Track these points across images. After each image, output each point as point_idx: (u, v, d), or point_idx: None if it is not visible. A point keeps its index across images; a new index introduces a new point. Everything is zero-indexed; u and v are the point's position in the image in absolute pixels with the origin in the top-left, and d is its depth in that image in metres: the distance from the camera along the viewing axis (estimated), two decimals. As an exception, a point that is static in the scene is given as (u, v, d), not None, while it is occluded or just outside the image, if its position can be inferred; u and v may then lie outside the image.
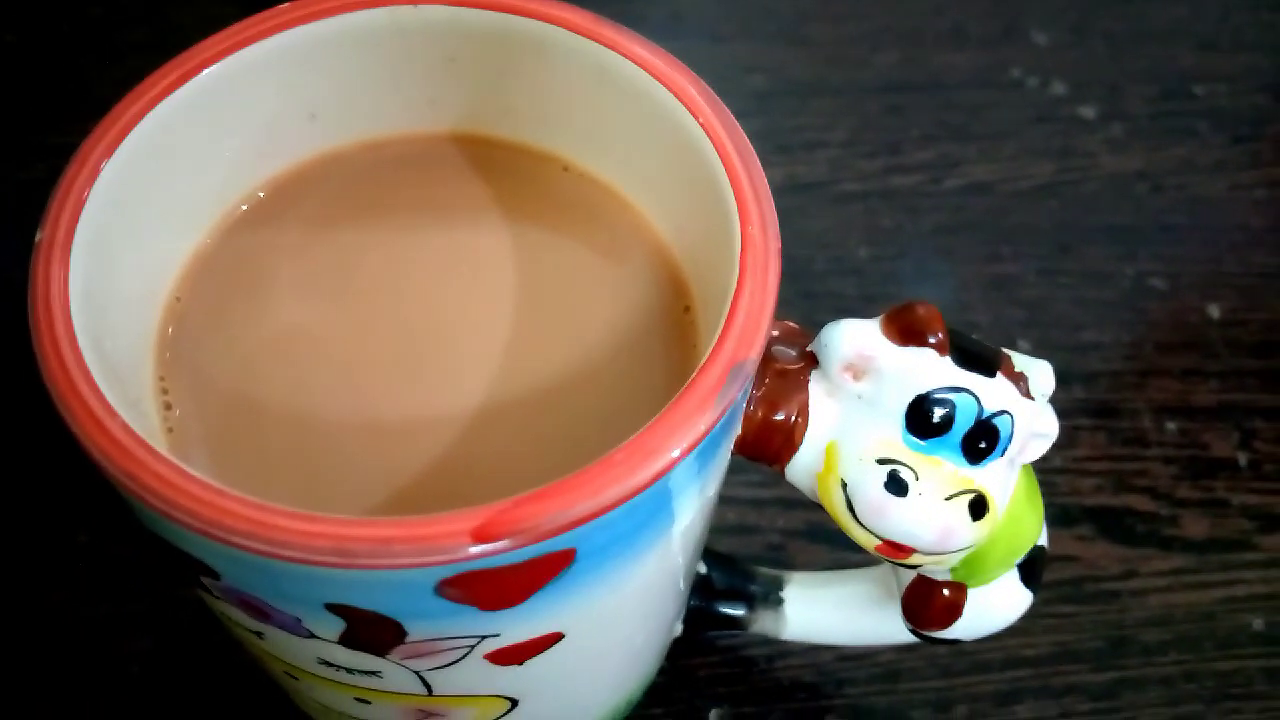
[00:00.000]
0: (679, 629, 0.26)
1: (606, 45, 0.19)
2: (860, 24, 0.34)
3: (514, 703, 0.20)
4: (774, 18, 0.37)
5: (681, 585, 0.23)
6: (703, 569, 0.25)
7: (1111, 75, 0.31)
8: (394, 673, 0.18)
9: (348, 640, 0.17)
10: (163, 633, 0.27)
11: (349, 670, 0.18)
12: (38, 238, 0.17)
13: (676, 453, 0.15)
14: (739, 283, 0.17)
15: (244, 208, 0.21)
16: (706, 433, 0.16)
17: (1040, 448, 0.19)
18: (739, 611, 0.25)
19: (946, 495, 0.18)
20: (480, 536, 0.14)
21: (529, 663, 0.18)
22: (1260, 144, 0.30)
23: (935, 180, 0.31)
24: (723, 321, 0.17)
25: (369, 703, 0.20)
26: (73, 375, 0.16)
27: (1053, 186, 0.30)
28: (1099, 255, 0.28)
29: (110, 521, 0.28)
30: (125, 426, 0.15)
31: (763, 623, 0.25)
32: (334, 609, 0.16)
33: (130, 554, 0.28)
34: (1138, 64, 0.31)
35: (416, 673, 0.18)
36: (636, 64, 0.19)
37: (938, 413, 0.18)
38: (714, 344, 0.16)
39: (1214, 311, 0.27)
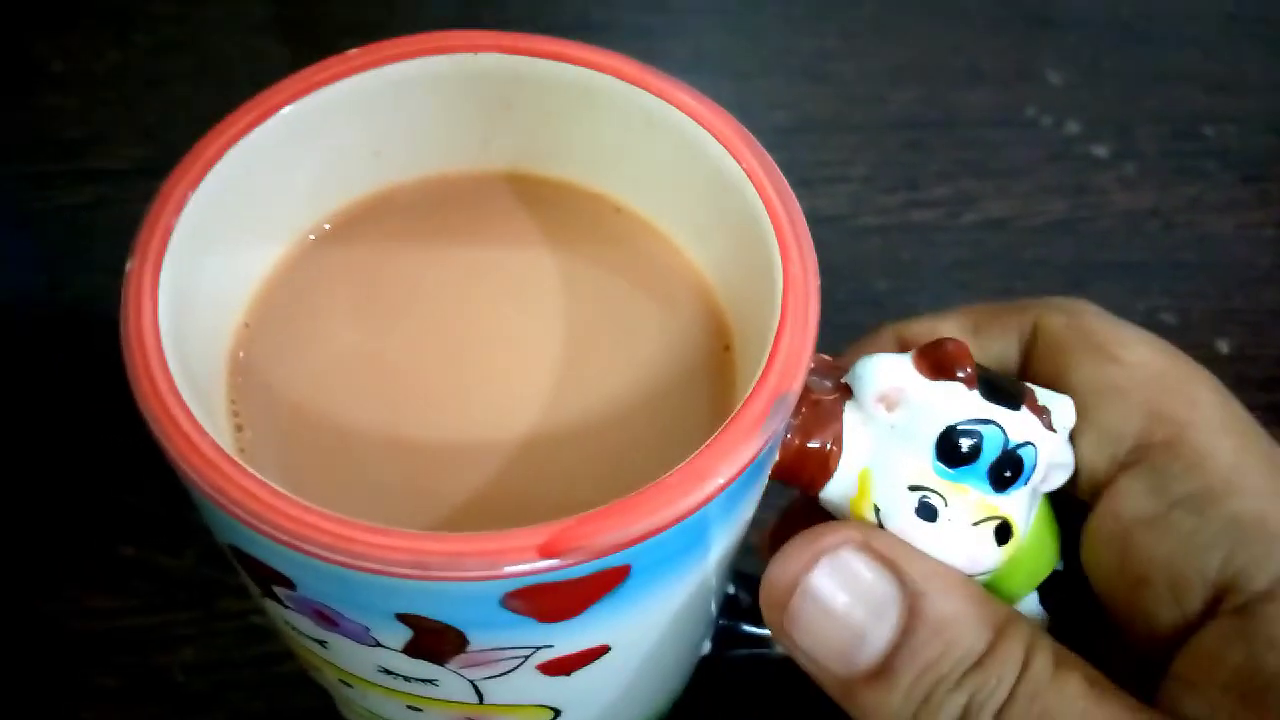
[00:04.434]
0: (707, 647, 0.27)
1: (653, 93, 0.21)
2: (880, 63, 0.35)
3: (557, 713, 0.21)
4: (795, 56, 0.38)
5: (713, 605, 0.24)
6: (731, 589, 0.26)
7: (1124, 115, 0.32)
8: (450, 681, 0.19)
9: (412, 649, 0.18)
10: (205, 644, 0.28)
11: (407, 678, 0.19)
12: (128, 266, 0.18)
13: (724, 478, 0.17)
14: (781, 318, 0.18)
15: (311, 238, 0.22)
16: (753, 459, 0.17)
17: (1060, 478, 0.21)
18: (764, 631, 0.26)
19: (974, 521, 0.19)
20: (547, 552, 0.16)
21: (576, 674, 0.19)
22: (1269, 183, 0.31)
23: (953, 215, 0.32)
24: (766, 355, 0.18)
25: (420, 710, 0.21)
26: (165, 398, 0.17)
27: (1067, 223, 0.31)
28: (1111, 290, 0.29)
29: (154, 535, 0.29)
30: (214, 444, 0.16)
31: (788, 641, 0.26)
32: (404, 619, 0.17)
33: (173, 567, 0.29)
34: (1149, 104, 0.32)
35: (471, 681, 0.19)
36: (682, 110, 0.21)
37: (966, 443, 0.19)
38: (759, 376, 0.18)
39: (1223, 347, 0.28)
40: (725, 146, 0.20)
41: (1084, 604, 0.21)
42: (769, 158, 0.20)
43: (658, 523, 0.16)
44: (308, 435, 0.20)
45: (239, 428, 0.20)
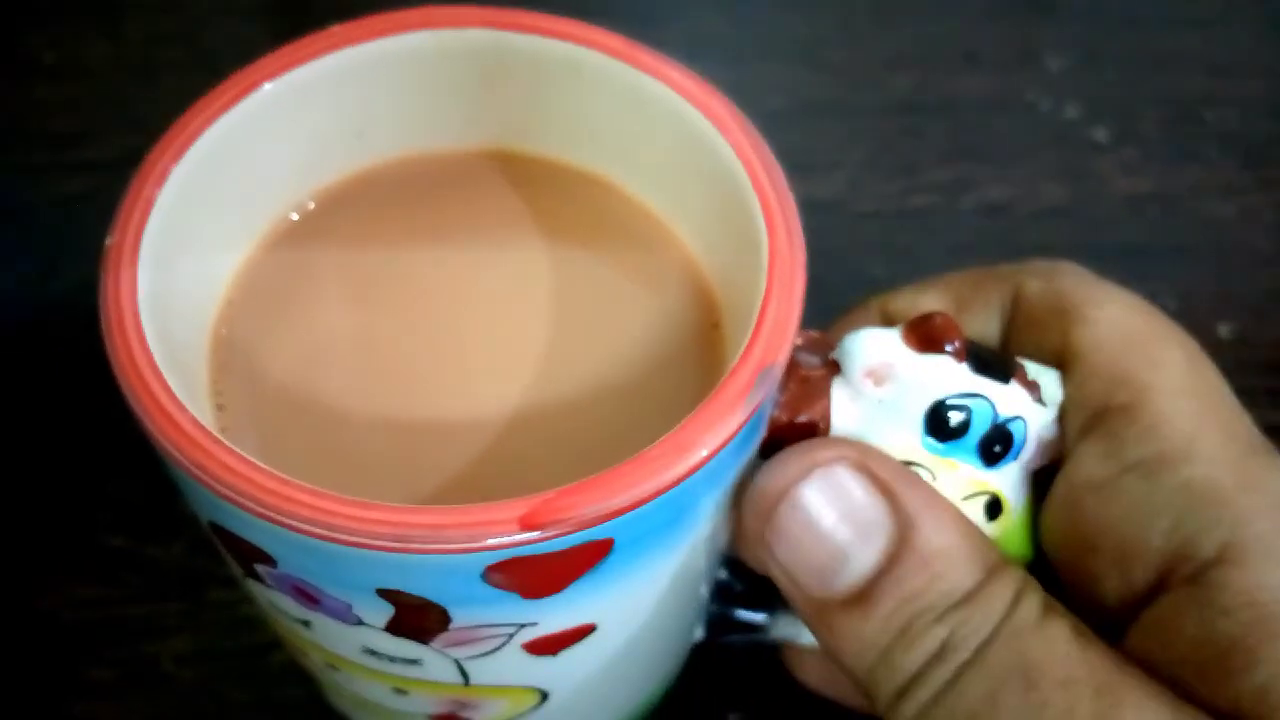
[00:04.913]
0: (700, 633, 0.26)
1: (643, 69, 0.21)
2: (877, 48, 0.35)
3: (544, 696, 0.21)
4: (792, 41, 0.37)
5: (704, 588, 0.24)
6: (724, 575, 0.26)
7: (1123, 99, 0.32)
8: (434, 661, 0.19)
9: (394, 627, 0.18)
10: (195, 634, 0.28)
11: (391, 659, 0.19)
12: (108, 242, 0.18)
13: (708, 450, 0.16)
14: (767, 291, 0.18)
15: (294, 217, 0.22)
16: (736, 432, 0.17)
17: (1051, 455, 0.20)
18: (758, 617, 0.26)
19: (964, 496, 0.19)
20: (527, 524, 0.15)
21: (562, 654, 0.19)
22: (1270, 168, 0.30)
23: (951, 201, 0.32)
24: (751, 329, 0.18)
25: (406, 693, 0.21)
26: (144, 372, 0.17)
27: (1066, 208, 0.31)
28: (1111, 275, 0.28)
29: (144, 526, 0.29)
30: (194, 420, 0.16)
31: (782, 628, 0.26)
32: (385, 594, 0.17)
33: (163, 558, 0.29)
34: (1149, 88, 0.32)
35: (456, 661, 0.19)
36: (668, 85, 0.20)
37: (955, 417, 0.19)
38: (744, 349, 0.17)
39: (1224, 331, 0.28)
40: (713, 122, 0.20)
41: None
42: (757, 133, 0.20)
43: (640, 495, 0.16)
44: (290, 414, 0.20)
45: (220, 406, 0.20)
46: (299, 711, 0.27)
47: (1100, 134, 0.31)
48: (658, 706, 0.27)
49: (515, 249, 0.22)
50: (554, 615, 0.18)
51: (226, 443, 0.16)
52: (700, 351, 0.21)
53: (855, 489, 0.18)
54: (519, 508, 0.15)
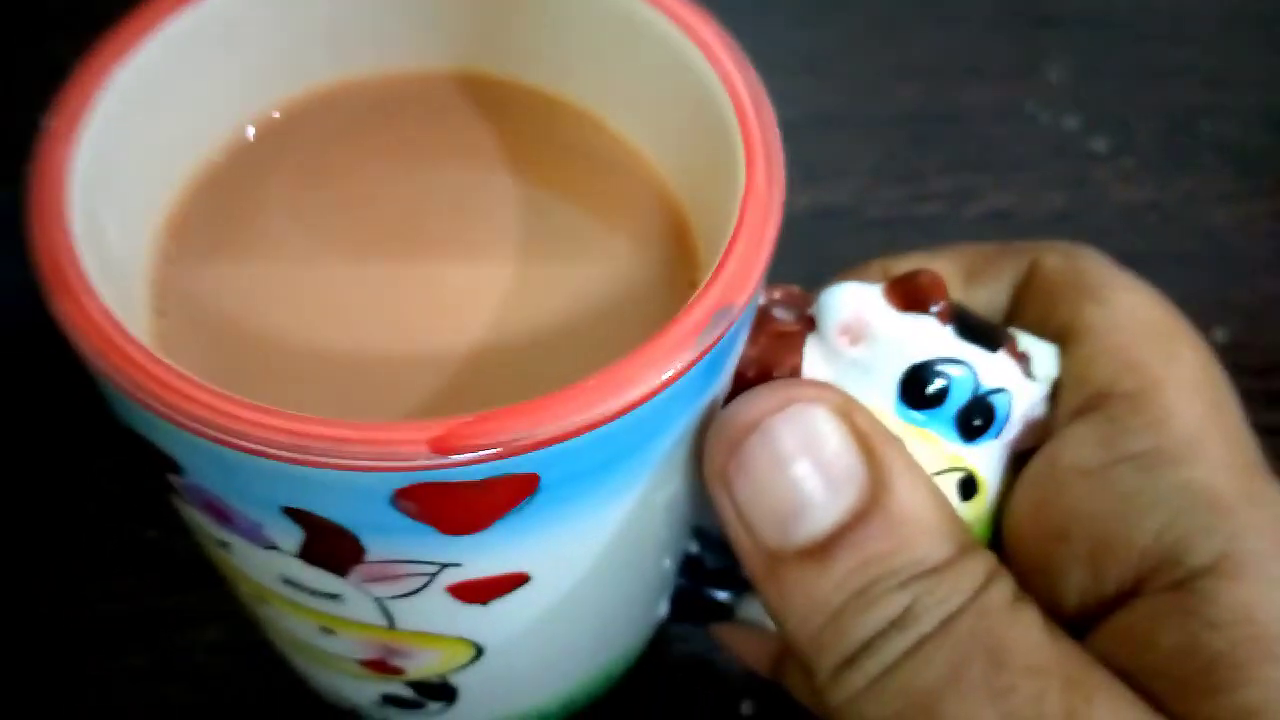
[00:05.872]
0: (664, 609, 0.25)
1: (631, -8, 0.19)
2: (883, 61, 0.35)
3: (479, 650, 0.20)
4: (800, 54, 0.37)
5: (667, 561, 0.22)
6: (694, 549, 0.25)
7: (1122, 110, 0.32)
8: (355, 598, 0.18)
9: (307, 553, 0.17)
10: (227, 625, 0.27)
11: (311, 592, 0.18)
12: (46, 124, 0.17)
13: (647, 388, 0.15)
14: (736, 228, 0.17)
15: (251, 131, 0.20)
16: (684, 371, 0.15)
17: (1036, 435, 0.19)
18: (726, 596, 0.25)
19: (935, 471, 0.17)
20: (438, 447, 0.14)
21: (493, 604, 0.18)
22: (1264, 177, 0.31)
23: (955, 208, 0.32)
24: (716, 263, 0.16)
25: (334, 633, 0.19)
26: (57, 246, 0.16)
27: (1067, 216, 0.31)
28: None
29: (177, 518, 0.29)
30: (104, 309, 0.15)
31: (750, 610, 0.25)
32: (292, 514, 0.16)
33: (196, 550, 0.28)
34: (1147, 100, 0.33)
35: (377, 600, 0.18)
36: (656, 7, 0.19)
37: (934, 384, 0.17)
38: (703, 285, 0.16)
39: (1220, 335, 0.28)
40: (701, 50, 0.19)
41: None
42: (749, 66, 0.19)
43: (568, 427, 0.15)
44: (232, 333, 0.19)
45: (161, 312, 0.19)
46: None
47: (1099, 144, 0.32)
48: (617, 683, 0.26)
49: (481, 176, 0.20)
50: (479, 557, 0.17)
51: (133, 335, 0.15)
52: (676, 294, 0.19)
53: (832, 435, 0.16)
54: (431, 429, 0.14)
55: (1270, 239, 0.30)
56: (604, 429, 0.15)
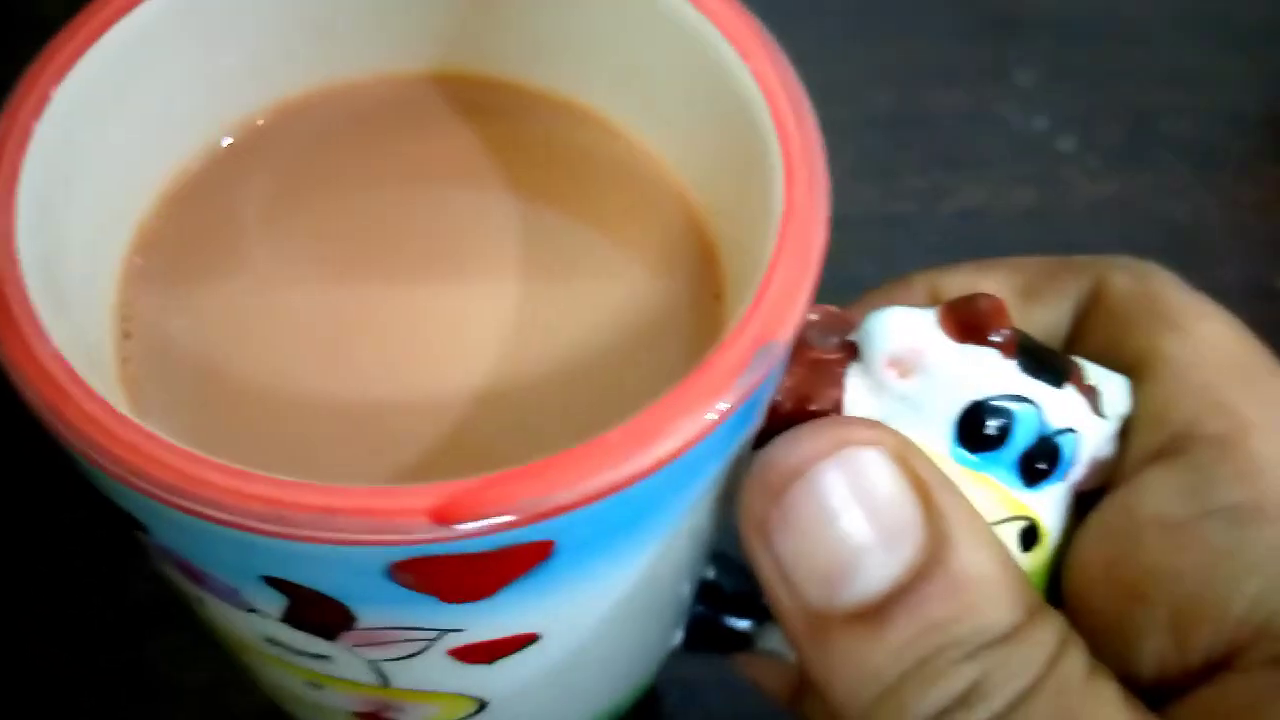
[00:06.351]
0: (679, 637, 0.23)
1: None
2: (857, 65, 0.37)
3: (482, 704, 0.18)
4: None
5: (684, 590, 0.21)
6: (711, 574, 0.23)
7: (1087, 111, 0.34)
8: (346, 659, 0.16)
9: (292, 619, 0.15)
10: None
11: (297, 652, 0.16)
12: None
13: (682, 441, 0.13)
14: (776, 251, 0.15)
15: (227, 141, 0.18)
16: (720, 421, 0.13)
17: (1102, 476, 0.17)
18: (746, 625, 0.23)
19: (995, 520, 0.16)
20: (440, 517, 0.12)
21: (499, 663, 0.16)
22: (1220, 172, 0.33)
23: (930, 206, 0.33)
24: (754, 291, 0.14)
25: (323, 688, 0.18)
26: (4, 283, 0.14)
27: (1036, 211, 0.33)
28: None
29: None
30: (55, 353, 0.13)
31: (771, 640, 0.23)
32: (273, 583, 0.14)
33: None
34: (1110, 101, 0.35)
35: (370, 662, 0.16)
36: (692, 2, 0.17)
37: (994, 424, 0.15)
38: (741, 317, 0.14)
39: None
40: (733, 44, 0.17)
41: None
42: (787, 65, 0.17)
43: (588, 490, 0.13)
44: (207, 369, 0.16)
45: (126, 334, 0.17)
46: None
47: (1066, 143, 0.34)
48: (627, 712, 0.24)
49: (477, 189, 0.18)
50: (484, 623, 0.15)
51: (84, 379, 0.13)
52: (697, 321, 0.17)
53: (887, 483, 0.14)
54: (432, 496, 0.12)
55: (1224, 230, 0.32)
56: (628, 491, 0.13)
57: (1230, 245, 0.32)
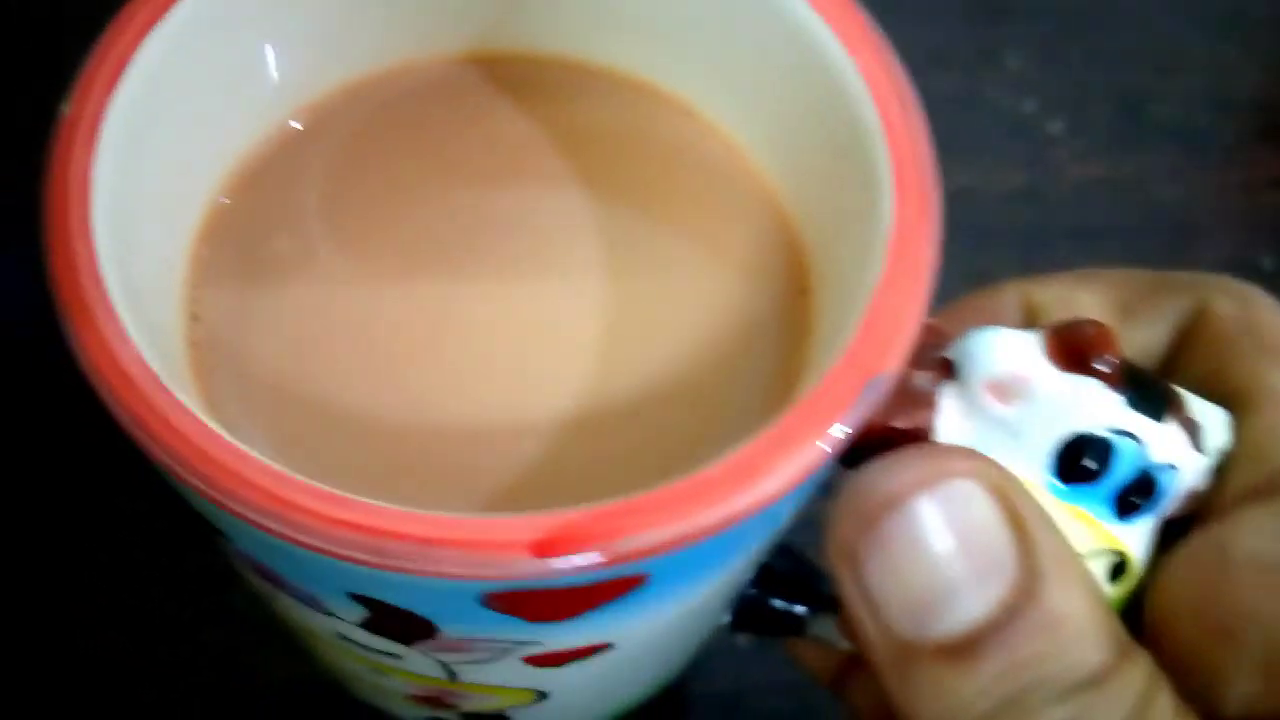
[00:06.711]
0: (726, 617, 0.23)
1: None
2: None
3: (543, 695, 0.18)
4: None
5: (745, 582, 0.20)
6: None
7: (1076, 94, 0.35)
8: (418, 659, 0.16)
9: (371, 627, 0.14)
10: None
11: (368, 649, 0.16)
12: (64, 111, 0.14)
13: (785, 481, 0.13)
14: (886, 274, 0.14)
15: (295, 124, 0.17)
16: (825, 459, 0.13)
17: (1190, 505, 0.17)
18: (798, 609, 0.23)
19: (1087, 552, 0.15)
20: (541, 551, 0.12)
21: (569, 665, 0.16)
22: (1208, 155, 0.34)
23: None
24: (860, 316, 0.14)
25: (385, 675, 0.18)
26: (80, 272, 0.13)
27: (1026, 192, 0.33)
28: (1067, 250, 0.32)
29: None
30: (138, 358, 0.13)
31: (822, 627, 0.23)
32: (358, 598, 0.13)
33: None
34: (1100, 84, 0.35)
35: (442, 662, 0.16)
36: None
37: (1093, 459, 0.15)
38: (848, 344, 0.13)
39: None
40: (839, 36, 0.16)
41: None
42: (897, 65, 0.16)
43: (689, 530, 0.12)
44: (278, 350, 0.16)
45: (195, 316, 0.16)
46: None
47: (1055, 126, 0.34)
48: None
49: (551, 184, 0.17)
50: (563, 637, 0.15)
51: (169, 387, 0.12)
52: (784, 319, 0.17)
53: (984, 516, 0.14)
54: (532, 529, 0.12)
55: (1212, 211, 0.33)
56: (730, 529, 0.13)
57: (1218, 225, 0.33)
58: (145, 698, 0.25)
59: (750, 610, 0.23)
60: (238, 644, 0.26)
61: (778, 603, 0.23)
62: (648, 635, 0.16)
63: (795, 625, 0.23)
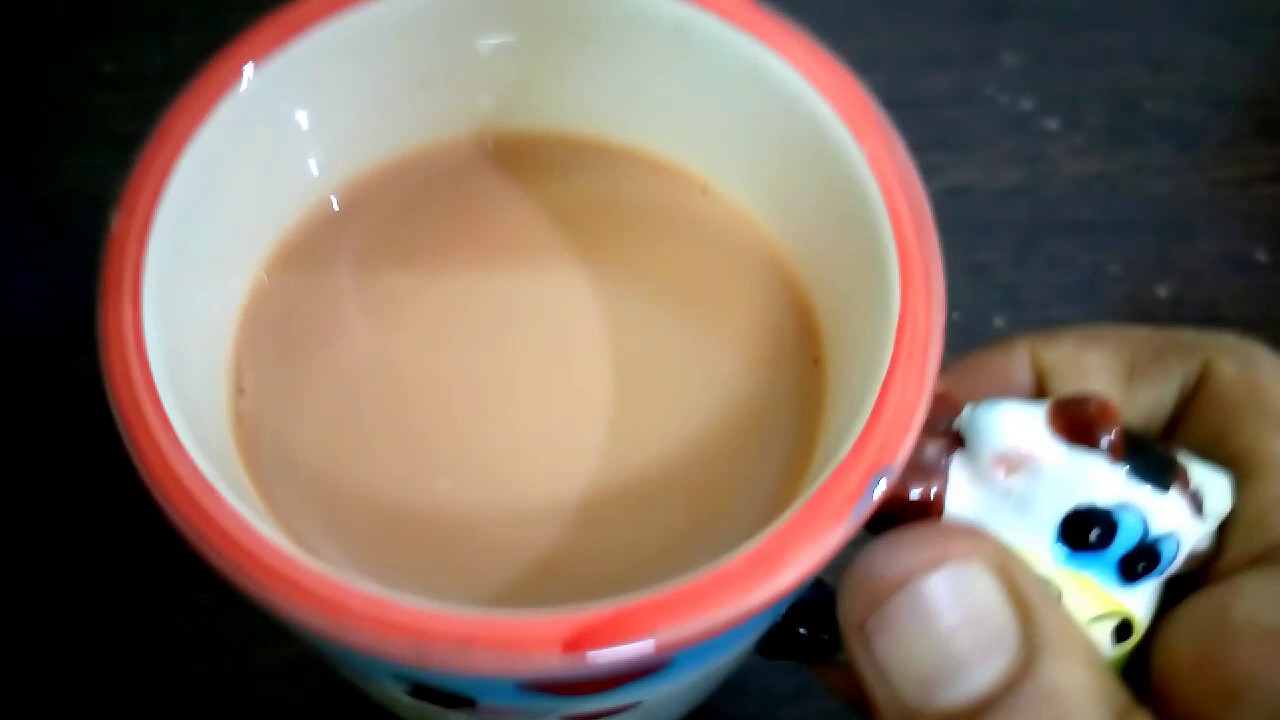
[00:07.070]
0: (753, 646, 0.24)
1: (766, 42, 0.17)
2: (852, 51, 0.39)
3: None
4: None
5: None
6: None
7: (1073, 92, 0.35)
8: (461, 716, 0.17)
9: (416, 695, 0.16)
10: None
11: (412, 707, 0.17)
12: (112, 225, 0.15)
13: (802, 571, 0.14)
14: (891, 366, 0.15)
15: (334, 202, 0.18)
16: (838, 548, 0.14)
17: (1191, 565, 0.17)
18: (824, 634, 0.24)
19: (1091, 617, 0.16)
20: (573, 648, 0.13)
21: None
22: (1202, 150, 0.34)
23: (922, 184, 0.35)
24: (868, 408, 0.14)
25: (429, 716, 0.19)
26: (138, 392, 0.14)
27: (1023, 188, 0.34)
28: (1063, 246, 0.32)
29: None
30: (196, 471, 0.14)
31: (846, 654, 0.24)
32: (403, 679, 0.14)
33: None
34: (1096, 82, 0.36)
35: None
36: (793, 66, 0.17)
37: (1097, 531, 0.16)
38: (855, 438, 0.14)
39: (1162, 292, 0.32)
40: (847, 124, 0.16)
41: None
42: (900, 146, 0.16)
43: (713, 623, 0.13)
44: (318, 421, 0.17)
45: (240, 390, 0.17)
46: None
47: (1052, 123, 0.35)
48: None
49: (566, 266, 0.18)
50: (594, 706, 0.16)
51: (222, 492, 0.13)
52: (798, 390, 0.18)
53: (987, 594, 0.15)
54: (565, 626, 0.13)
55: (1206, 206, 0.33)
56: (752, 618, 0.13)
57: (1212, 220, 0.33)
58: (149, 681, 0.26)
59: (777, 638, 0.24)
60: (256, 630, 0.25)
61: (803, 627, 0.24)
62: (672, 692, 0.17)
63: (821, 652, 0.24)
